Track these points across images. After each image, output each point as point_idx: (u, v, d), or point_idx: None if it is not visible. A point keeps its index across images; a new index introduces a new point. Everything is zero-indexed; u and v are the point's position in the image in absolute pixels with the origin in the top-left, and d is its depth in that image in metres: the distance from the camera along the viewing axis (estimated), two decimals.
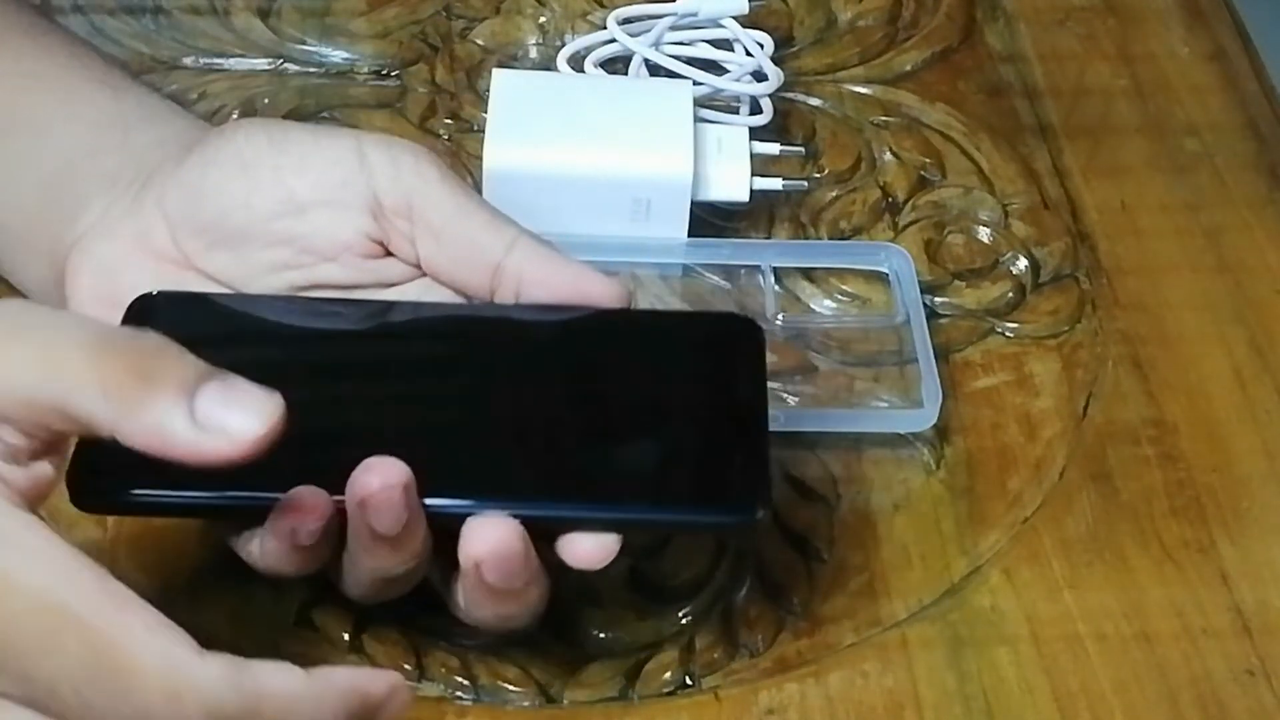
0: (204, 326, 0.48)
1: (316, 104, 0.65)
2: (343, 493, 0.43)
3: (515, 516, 0.44)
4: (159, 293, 0.48)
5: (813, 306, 0.59)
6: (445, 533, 0.44)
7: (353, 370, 0.48)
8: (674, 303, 0.59)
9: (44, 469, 0.40)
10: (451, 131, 0.64)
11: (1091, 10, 0.72)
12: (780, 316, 0.58)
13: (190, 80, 0.65)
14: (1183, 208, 0.64)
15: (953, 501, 0.54)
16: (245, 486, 0.43)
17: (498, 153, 0.58)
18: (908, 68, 0.69)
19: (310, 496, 0.43)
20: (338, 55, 0.67)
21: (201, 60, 0.66)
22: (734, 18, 0.64)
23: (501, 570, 0.43)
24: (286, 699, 0.38)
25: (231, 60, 0.66)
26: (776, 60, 0.65)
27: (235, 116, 0.63)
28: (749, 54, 0.64)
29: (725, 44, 0.65)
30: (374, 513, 0.42)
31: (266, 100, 0.64)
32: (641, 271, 0.59)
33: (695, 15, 0.64)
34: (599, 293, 0.48)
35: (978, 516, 0.54)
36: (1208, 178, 0.65)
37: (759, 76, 0.64)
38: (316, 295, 0.50)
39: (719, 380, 0.48)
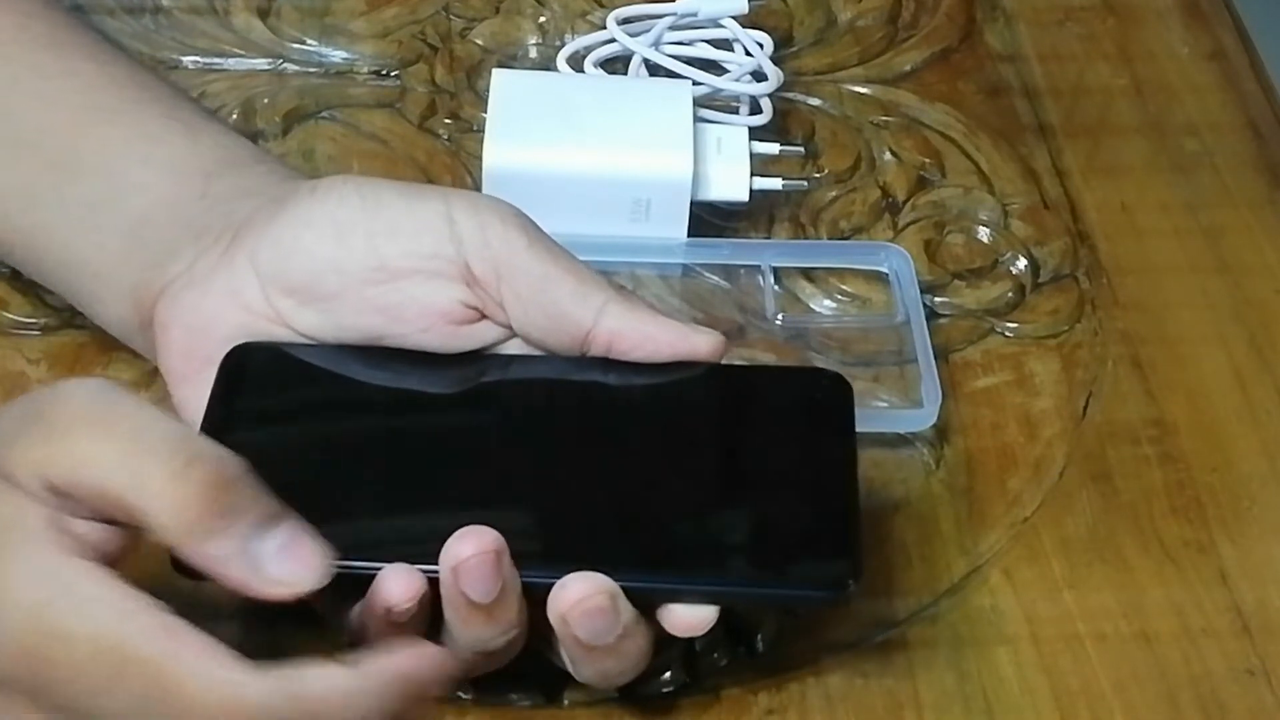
0: (296, 382, 0.48)
1: (316, 104, 0.65)
2: (436, 561, 0.43)
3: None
4: (253, 344, 0.48)
5: (812, 306, 0.59)
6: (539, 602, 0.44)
7: (443, 433, 0.48)
8: (674, 302, 0.59)
9: (113, 532, 0.42)
10: (451, 131, 0.64)
11: (1091, 10, 0.72)
12: (780, 316, 0.58)
13: (190, 80, 0.65)
14: (1182, 208, 0.64)
15: (953, 501, 0.54)
16: (340, 557, 0.43)
17: (497, 153, 0.58)
18: (907, 68, 0.69)
19: (404, 575, 0.43)
20: (337, 55, 0.67)
21: (201, 60, 0.66)
22: (734, 17, 0.64)
23: (590, 627, 0.43)
24: (340, 699, 0.39)
25: (231, 60, 0.66)
26: (776, 60, 0.65)
27: (235, 117, 0.63)
28: (749, 54, 0.64)
29: (725, 44, 0.65)
30: (468, 580, 0.43)
31: (266, 100, 0.64)
32: (641, 271, 0.59)
33: (695, 15, 0.64)
34: (693, 349, 0.48)
35: (978, 516, 0.54)
36: (1207, 177, 0.65)
37: (759, 76, 0.64)
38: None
39: (809, 442, 0.48)
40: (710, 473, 0.47)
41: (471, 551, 0.43)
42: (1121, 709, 0.49)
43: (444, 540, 0.43)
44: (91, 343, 0.54)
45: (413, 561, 0.43)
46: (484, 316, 0.49)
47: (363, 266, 0.48)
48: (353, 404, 0.48)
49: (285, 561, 0.41)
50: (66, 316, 0.56)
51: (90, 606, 0.40)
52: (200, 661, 0.39)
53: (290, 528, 0.41)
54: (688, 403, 0.48)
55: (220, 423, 0.47)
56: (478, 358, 0.49)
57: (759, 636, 0.50)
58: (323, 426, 0.48)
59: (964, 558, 0.52)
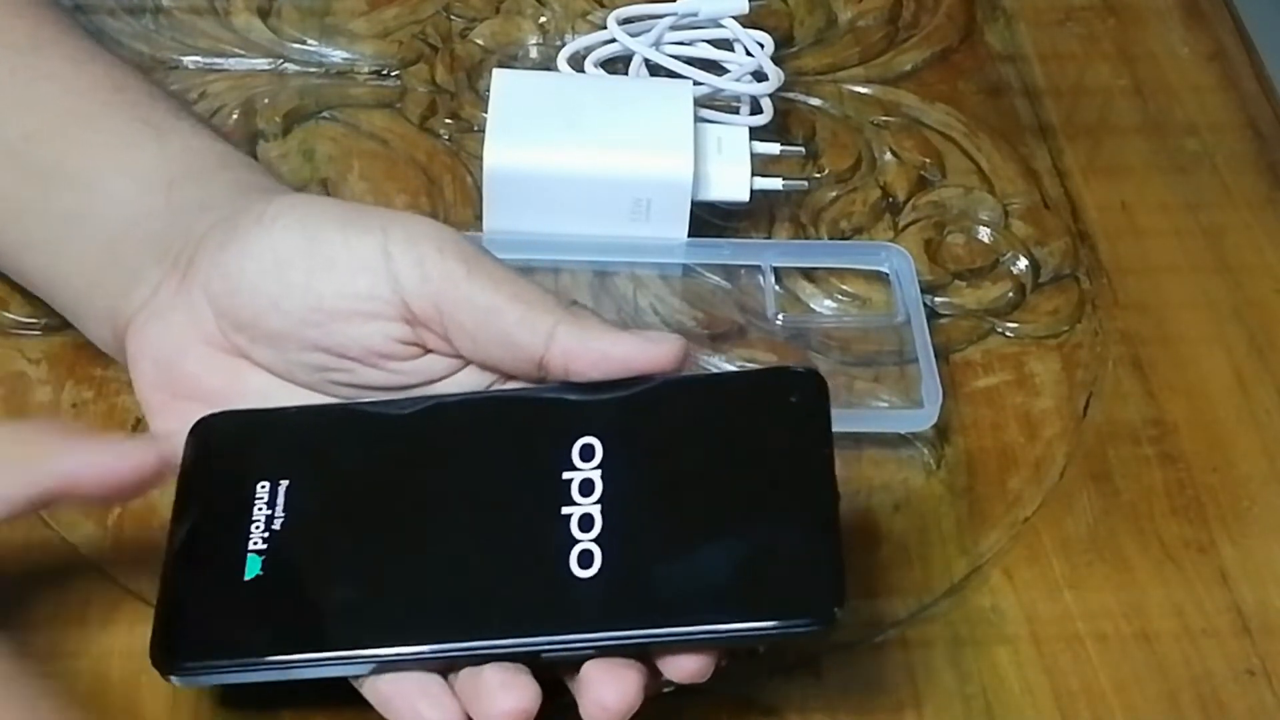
0: (266, 451, 0.48)
1: (316, 104, 0.65)
2: (436, 640, 0.44)
3: (595, 647, 0.44)
4: (216, 416, 0.48)
5: (813, 306, 0.59)
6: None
7: (418, 493, 0.47)
8: (674, 303, 0.58)
9: None
10: (451, 131, 0.64)
11: (1091, 10, 0.72)
12: (780, 316, 0.58)
13: (190, 80, 0.65)
14: (1183, 207, 0.64)
15: (953, 501, 0.54)
16: (349, 645, 0.44)
17: (498, 153, 0.58)
18: (908, 67, 0.69)
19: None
20: (338, 55, 0.67)
21: (201, 60, 0.66)
22: (734, 17, 0.64)
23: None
24: None
25: (231, 60, 0.66)
26: (776, 60, 0.65)
27: (235, 117, 0.63)
28: (749, 54, 0.64)
29: (725, 44, 0.65)
30: None
31: (266, 100, 0.64)
32: (641, 271, 0.59)
33: (695, 15, 0.64)
34: (652, 362, 0.47)
35: (978, 516, 0.54)
36: (1208, 177, 0.65)
37: (759, 76, 0.64)
38: (366, 399, 0.49)
39: (783, 453, 0.46)
40: (682, 504, 0.45)
41: (511, 707, 0.43)
42: (1122, 709, 0.49)
43: (445, 613, 0.44)
44: (91, 343, 0.54)
45: (411, 643, 0.44)
46: (430, 350, 0.49)
47: (301, 306, 0.48)
48: (320, 478, 0.47)
49: None
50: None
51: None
52: None
53: None
54: (651, 426, 0.47)
55: (190, 501, 0.47)
56: (429, 402, 0.48)
57: None
58: (297, 499, 0.47)
59: (964, 558, 0.52)
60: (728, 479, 0.46)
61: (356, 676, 0.45)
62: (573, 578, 0.44)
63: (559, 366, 0.47)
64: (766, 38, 0.64)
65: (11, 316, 0.56)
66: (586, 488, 0.45)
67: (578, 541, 0.45)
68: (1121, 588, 0.52)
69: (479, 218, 0.59)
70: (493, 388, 0.49)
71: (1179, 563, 0.53)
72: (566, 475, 0.46)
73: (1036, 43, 0.70)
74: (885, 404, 0.56)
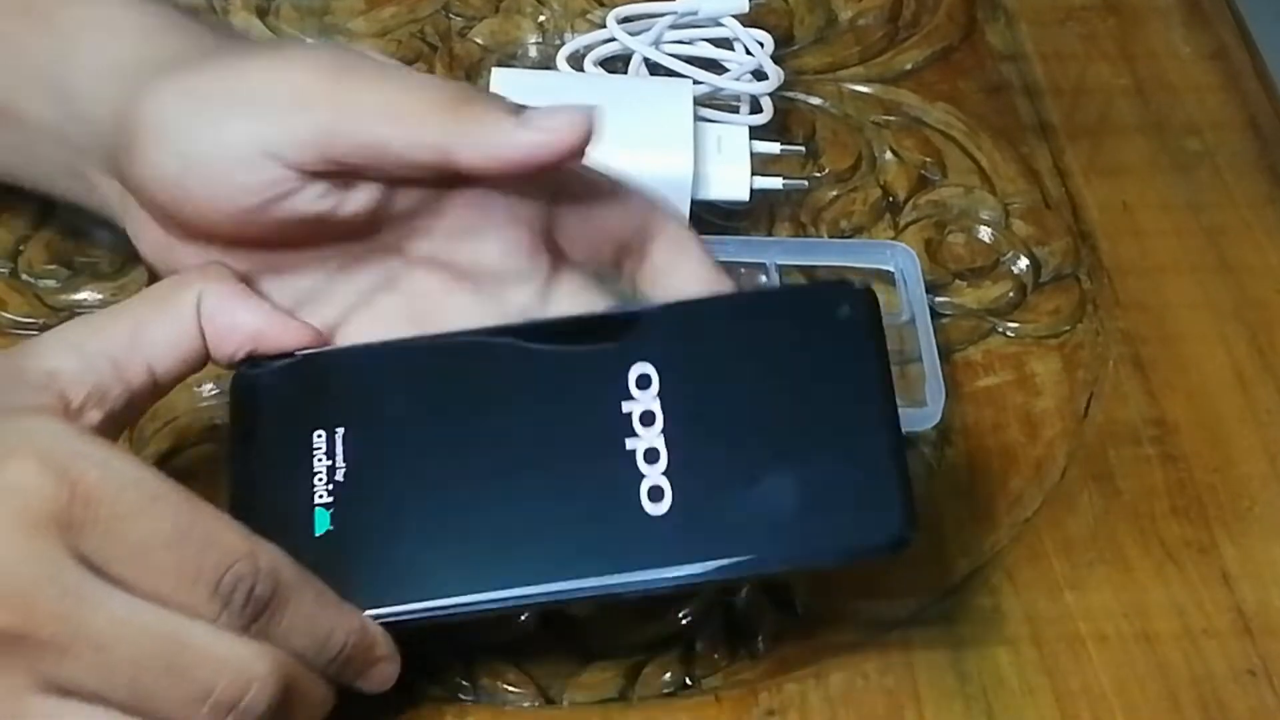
0: (315, 399, 0.47)
1: None
2: (520, 584, 0.44)
3: (669, 585, 0.44)
4: (255, 367, 0.47)
5: None
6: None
7: (478, 434, 0.46)
8: None
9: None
10: None
11: (1092, 9, 0.72)
12: None
13: None
14: (1184, 207, 0.64)
15: (954, 501, 0.54)
16: (435, 595, 0.44)
17: None
18: (908, 67, 0.68)
19: None
20: None
21: None
22: (734, 16, 0.64)
23: None
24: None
25: None
26: (777, 59, 0.65)
27: None
28: (749, 53, 0.64)
29: (725, 43, 0.65)
30: None
31: None
32: None
33: (695, 14, 0.64)
34: (554, 153, 0.47)
35: (979, 516, 0.54)
36: (1209, 177, 0.65)
37: (759, 75, 0.64)
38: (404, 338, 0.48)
39: (839, 373, 0.45)
40: (745, 430, 0.45)
41: None
42: (1122, 709, 0.49)
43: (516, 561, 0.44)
44: None
45: (500, 587, 0.44)
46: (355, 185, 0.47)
47: (221, 213, 0.47)
48: (377, 418, 0.47)
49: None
50: (65, 317, 0.55)
51: (117, 452, 0.42)
52: (221, 516, 0.42)
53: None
54: (705, 348, 0.46)
55: (244, 460, 0.47)
56: (479, 338, 0.47)
57: (759, 637, 0.50)
58: (356, 447, 0.46)
59: (965, 558, 0.52)
60: (788, 401, 0.45)
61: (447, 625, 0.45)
62: (646, 516, 0.44)
63: (472, 172, 0.46)
64: (766, 37, 0.64)
65: (11, 316, 0.56)
66: (647, 418, 0.45)
67: (645, 477, 0.45)
68: (1122, 588, 0.52)
69: None
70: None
71: (1180, 563, 0.53)
72: (626, 407, 0.45)
73: (1037, 42, 0.70)
74: None
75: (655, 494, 0.44)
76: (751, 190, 0.60)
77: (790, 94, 0.66)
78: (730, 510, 0.44)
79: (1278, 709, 0.49)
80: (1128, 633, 0.51)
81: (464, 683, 0.48)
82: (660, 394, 0.45)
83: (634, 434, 0.45)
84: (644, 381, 0.46)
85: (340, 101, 0.46)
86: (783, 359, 0.46)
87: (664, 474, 0.44)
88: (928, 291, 0.59)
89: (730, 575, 0.45)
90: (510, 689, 0.48)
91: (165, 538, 0.41)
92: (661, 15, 0.64)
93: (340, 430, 0.46)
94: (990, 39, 0.70)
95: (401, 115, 0.46)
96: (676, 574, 0.44)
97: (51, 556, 0.40)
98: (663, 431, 0.45)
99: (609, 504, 0.44)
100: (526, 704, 0.48)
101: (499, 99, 0.47)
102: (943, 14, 0.70)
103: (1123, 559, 0.53)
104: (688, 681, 0.49)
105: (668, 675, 0.49)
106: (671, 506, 0.44)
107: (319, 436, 0.46)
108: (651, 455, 0.45)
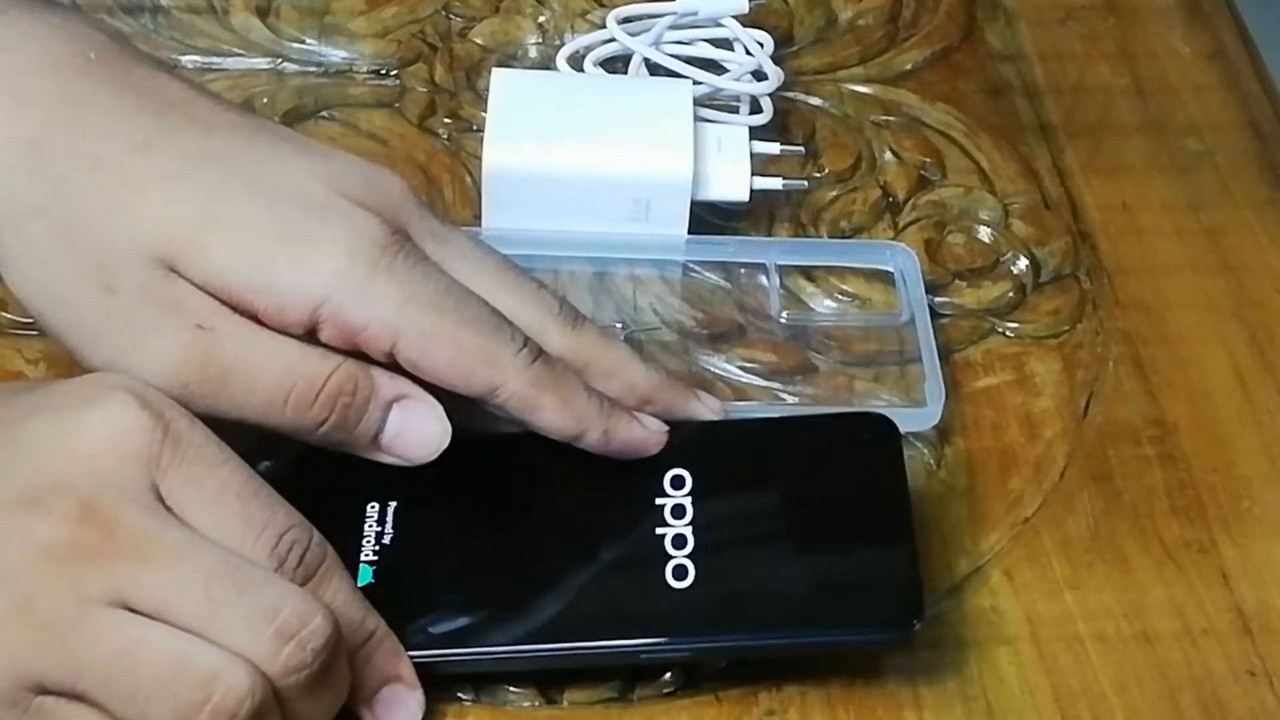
0: (372, 476, 0.49)
1: (315, 103, 0.65)
2: (544, 641, 0.47)
3: (685, 651, 0.48)
4: (318, 451, 0.49)
5: (812, 306, 0.59)
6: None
7: (521, 515, 0.50)
8: (674, 302, 0.58)
9: None
10: (451, 131, 0.64)
11: (1092, 9, 0.72)
12: (785, 315, 0.58)
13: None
14: (1184, 207, 0.64)
15: (953, 502, 0.54)
16: (462, 644, 0.47)
17: (497, 152, 0.58)
18: (908, 67, 0.68)
19: None
20: (336, 55, 0.67)
21: (201, 60, 0.66)
22: (734, 17, 0.64)
23: None
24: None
25: (230, 60, 0.66)
26: (776, 59, 0.65)
27: None
28: (749, 53, 0.64)
29: (725, 43, 0.65)
30: None
31: (265, 100, 0.64)
32: (641, 271, 0.59)
33: (695, 14, 0.64)
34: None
35: (978, 516, 0.54)
36: (1209, 177, 0.65)
37: (759, 76, 0.64)
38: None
39: (860, 485, 0.49)
40: (768, 525, 0.49)
41: None
42: (1122, 710, 0.49)
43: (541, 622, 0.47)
44: None
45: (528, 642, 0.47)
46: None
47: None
48: (428, 497, 0.50)
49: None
50: None
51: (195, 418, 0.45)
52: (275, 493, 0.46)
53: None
54: (736, 458, 0.51)
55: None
56: (529, 437, 0.50)
57: None
58: (405, 520, 0.50)
59: (965, 558, 0.52)
60: (809, 506, 0.49)
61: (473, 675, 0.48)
62: (669, 588, 0.47)
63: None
64: (766, 37, 0.64)
65: (10, 316, 0.56)
66: (678, 511, 0.49)
67: (672, 557, 0.48)
68: (1122, 588, 0.52)
69: (478, 217, 0.59)
70: None
71: (1179, 563, 0.53)
72: (660, 500, 0.49)
73: (1037, 42, 0.70)
74: (885, 404, 0.56)
75: (680, 572, 0.48)
76: (751, 190, 0.60)
77: (790, 94, 0.66)
78: (748, 591, 0.48)
79: (1278, 709, 0.49)
80: (1127, 633, 0.51)
81: (464, 682, 0.48)
82: (691, 492, 0.49)
83: (665, 523, 0.49)
84: (678, 482, 0.50)
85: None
86: (807, 472, 0.50)
87: (688, 556, 0.48)
88: (927, 292, 0.59)
89: (742, 646, 0.48)
90: (510, 688, 0.48)
91: (238, 490, 0.44)
92: (661, 16, 0.64)
93: (393, 504, 0.50)
94: (990, 39, 0.70)
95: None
96: (690, 642, 0.47)
97: (139, 484, 0.43)
98: (691, 523, 0.49)
99: (637, 578, 0.48)
100: (526, 704, 0.48)
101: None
102: (942, 14, 0.71)
103: (1122, 559, 0.53)
104: (688, 681, 0.49)
105: (668, 675, 0.49)
106: (693, 583, 0.47)
107: (373, 508, 0.50)
108: (679, 541, 0.48)
